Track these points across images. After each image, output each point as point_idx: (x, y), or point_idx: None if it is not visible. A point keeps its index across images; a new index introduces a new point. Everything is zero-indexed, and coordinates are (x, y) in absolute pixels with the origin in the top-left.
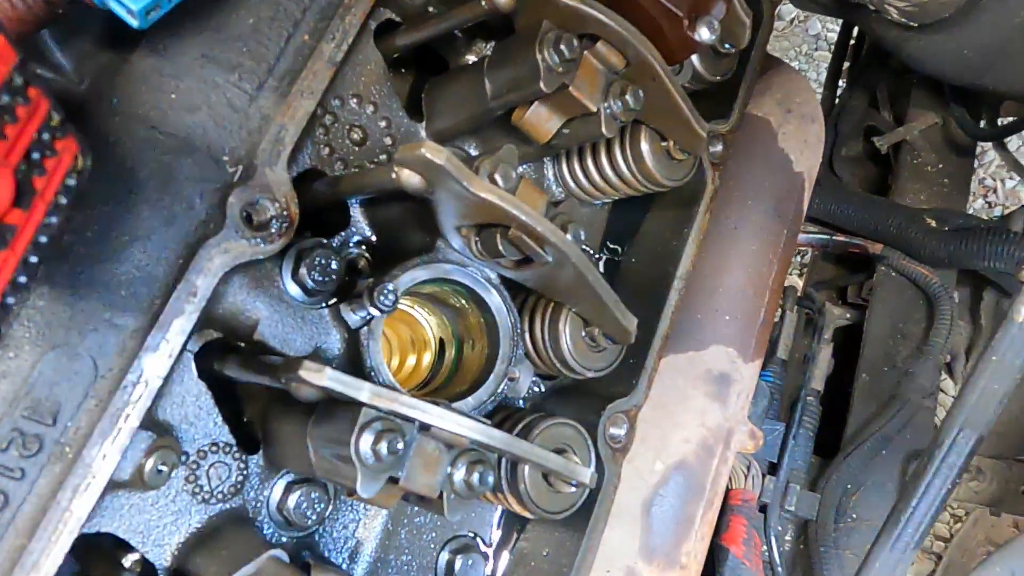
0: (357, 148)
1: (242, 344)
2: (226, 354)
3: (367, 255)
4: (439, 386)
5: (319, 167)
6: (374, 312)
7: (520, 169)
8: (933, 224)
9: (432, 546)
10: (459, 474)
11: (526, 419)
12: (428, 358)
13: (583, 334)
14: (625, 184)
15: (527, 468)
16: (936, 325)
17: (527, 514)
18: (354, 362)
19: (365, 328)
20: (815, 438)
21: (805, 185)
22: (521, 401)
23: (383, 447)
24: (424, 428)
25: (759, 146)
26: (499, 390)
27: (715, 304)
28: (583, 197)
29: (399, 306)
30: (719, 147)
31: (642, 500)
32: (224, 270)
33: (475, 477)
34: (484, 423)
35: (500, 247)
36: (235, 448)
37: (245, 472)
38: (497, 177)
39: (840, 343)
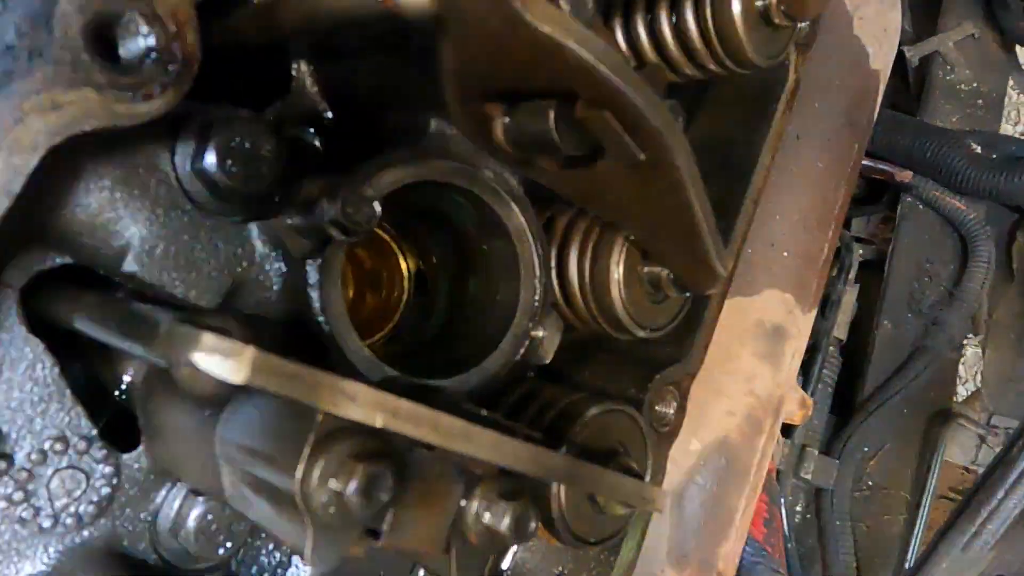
0: None
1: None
2: (81, 294)
3: (316, 139)
4: (415, 344)
5: None
6: (335, 234)
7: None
8: (979, 150)
9: (402, 563)
10: (479, 516)
11: (558, 402)
12: (397, 299)
13: (642, 275)
14: (691, 60)
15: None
16: (970, 268)
17: (558, 542)
18: (297, 314)
19: (317, 261)
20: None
21: (880, 88)
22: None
23: (356, 490)
24: (426, 446)
25: (831, 34)
26: (518, 356)
27: (771, 237)
28: None
29: None
30: (805, 25)
31: (673, 489)
32: (52, 142)
33: (506, 521)
34: (538, 442)
35: (553, 133)
36: (97, 443)
37: (115, 481)
38: (564, 2)
39: None
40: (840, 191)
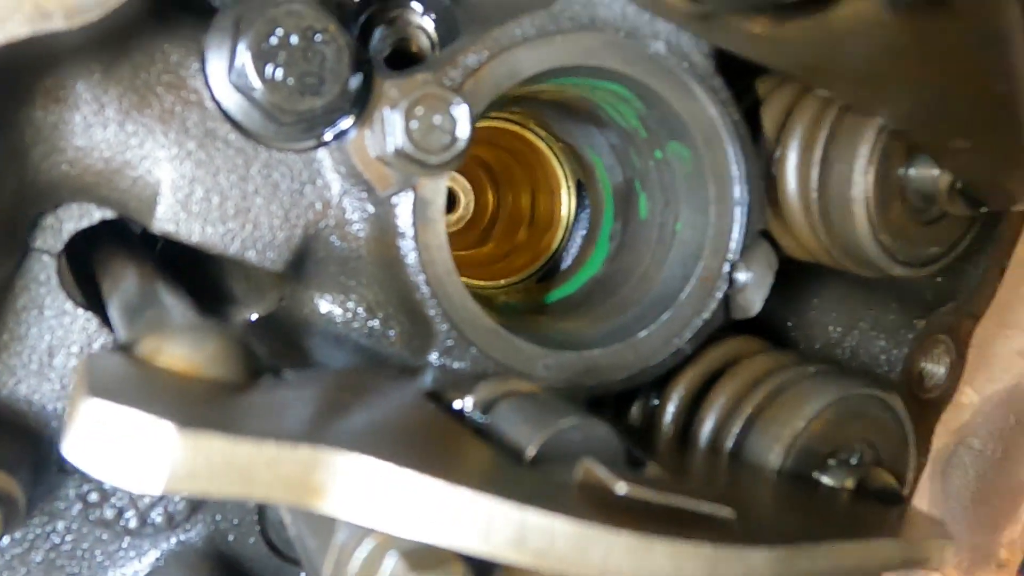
0: None
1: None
2: (117, 267)
3: (426, 25)
4: (571, 290)
5: None
6: (410, 168)
7: None
8: None
9: None
10: None
11: (762, 383)
12: (553, 222)
13: (905, 184)
14: None
15: None
16: None
17: None
18: (389, 265)
19: (405, 197)
20: None
21: None
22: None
23: None
24: None
25: None
26: (708, 313)
27: None
28: None
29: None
30: None
31: (935, 454)
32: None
33: None
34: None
35: None
36: None
37: None
38: None
39: None
40: None
